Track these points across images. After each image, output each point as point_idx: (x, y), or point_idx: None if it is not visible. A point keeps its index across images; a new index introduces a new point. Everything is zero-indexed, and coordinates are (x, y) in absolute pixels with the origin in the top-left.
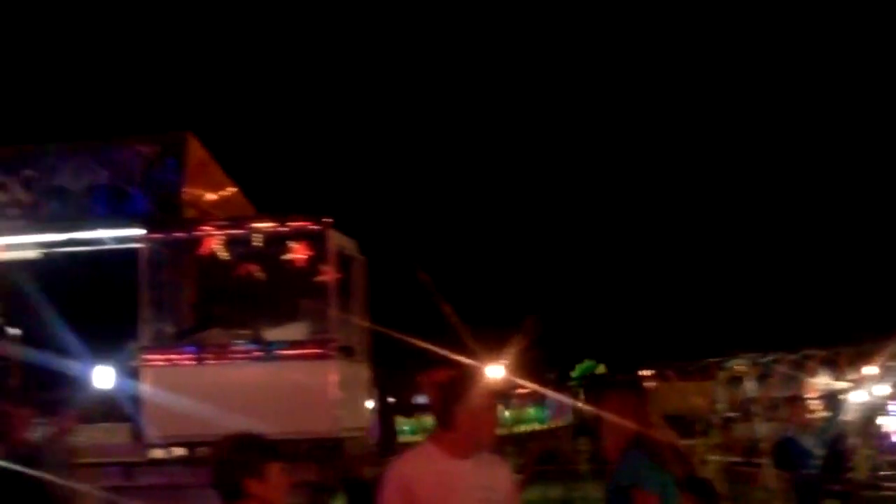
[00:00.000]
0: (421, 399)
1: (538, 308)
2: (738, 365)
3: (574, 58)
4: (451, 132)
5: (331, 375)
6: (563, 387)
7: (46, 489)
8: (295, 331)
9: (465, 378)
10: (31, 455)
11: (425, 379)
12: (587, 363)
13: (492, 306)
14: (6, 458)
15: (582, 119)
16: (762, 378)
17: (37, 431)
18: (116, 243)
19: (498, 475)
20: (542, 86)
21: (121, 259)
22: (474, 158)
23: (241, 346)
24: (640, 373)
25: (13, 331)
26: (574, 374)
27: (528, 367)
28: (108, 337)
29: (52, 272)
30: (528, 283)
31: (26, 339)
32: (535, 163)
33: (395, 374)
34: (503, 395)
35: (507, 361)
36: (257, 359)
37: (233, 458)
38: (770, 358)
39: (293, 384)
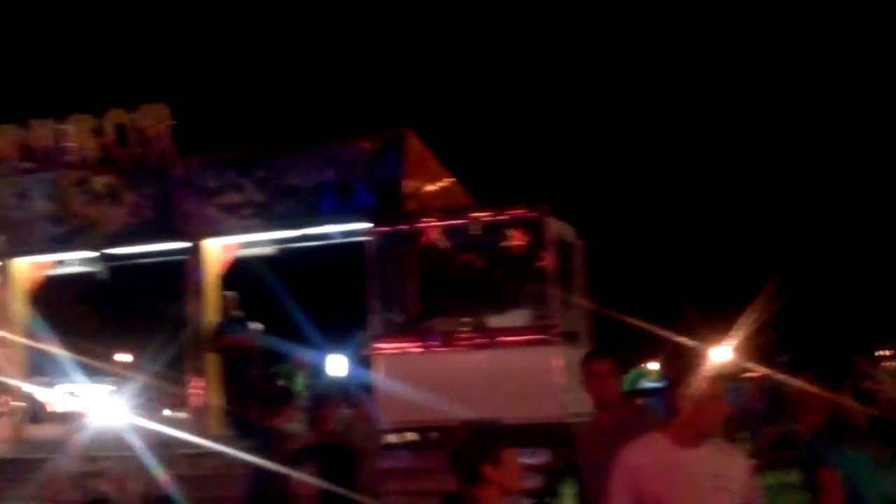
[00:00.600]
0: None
1: (772, 286)
2: None
3: None
4: (663, 108)
5: (555, 361)
6: (797, 370)
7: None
8: (517, 317)
9: (688, 363)
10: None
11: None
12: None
13: (723, 285)
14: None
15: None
16: None
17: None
18: (344, 237)
19: (731, 462)
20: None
21: (349, 252)
22: (691, 132)
23: (465, 333)
24: (879, 352)
25: (254, 324)
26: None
27: (759, 349)
28: (340, 327)
29: (286, 267)
30: (761, 260)
31: (266, 331)
32: (760, 135)
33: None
34: (732, 379)
35: (735, 344)
36: (481, 346)
37: (470, 445)
38: None
39: (518, 370)
